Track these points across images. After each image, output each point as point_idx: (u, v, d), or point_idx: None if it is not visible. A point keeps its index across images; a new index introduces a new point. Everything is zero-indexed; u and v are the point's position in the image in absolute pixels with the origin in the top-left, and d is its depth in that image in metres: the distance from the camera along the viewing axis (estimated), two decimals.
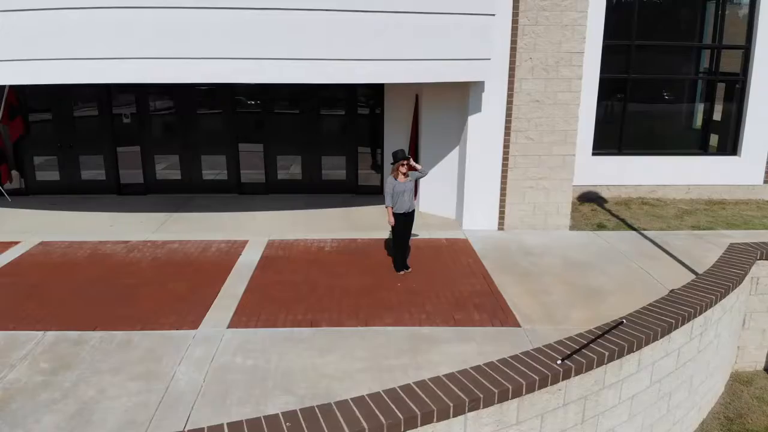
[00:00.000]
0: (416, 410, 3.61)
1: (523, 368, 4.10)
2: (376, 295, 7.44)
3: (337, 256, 8.79)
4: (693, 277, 7.91)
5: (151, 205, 11.29)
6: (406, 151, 7.87)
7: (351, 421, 3.50)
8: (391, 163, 7.92)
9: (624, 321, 4.79)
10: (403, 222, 8.00)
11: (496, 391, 3.85)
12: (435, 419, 3.66)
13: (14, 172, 11.89)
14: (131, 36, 7.56)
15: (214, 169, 12.23)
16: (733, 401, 6.43)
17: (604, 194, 12.30)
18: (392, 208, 7.87)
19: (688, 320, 5.10)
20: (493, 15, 8.74)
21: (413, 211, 8.06)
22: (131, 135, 11.94)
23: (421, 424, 3.62)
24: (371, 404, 3.67)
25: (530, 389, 4.01)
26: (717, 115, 12.90)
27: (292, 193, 12.16)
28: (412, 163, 7.88)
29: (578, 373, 4.25)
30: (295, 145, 12.09)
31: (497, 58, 9.21)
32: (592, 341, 4.46)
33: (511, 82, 9.48)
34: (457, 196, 10.38)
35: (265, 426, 3.44)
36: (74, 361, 5.84)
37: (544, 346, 4.44)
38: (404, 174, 7.81)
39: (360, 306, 7.14)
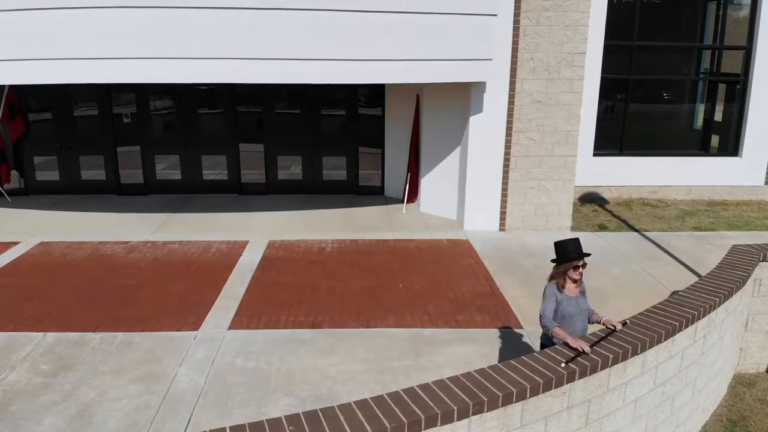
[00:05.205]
0: (420, 414, 3.58)
1: (527, 371, 4.06)
2: (377, 297, 7.42)
3: (338, 257, 8.76)
4: (695, 278, 7.90)
5: (152, 206, 11.26)
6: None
7: (354, 424, 3.47)
8: (552, 260, 4.68)
9: (627, 323, 4.76)
10: None
11: (500, 394, 3.81)
12: (439, 423, 3.62)
13: (14, 172, 11.86)
14: (130, 36, 7.53)
15: (214, 169, 12.20)
16: (735, 403, 6.38)
17: (606, 195, 12.28)
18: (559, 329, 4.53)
19: (692, 323, 5.06)
20: (495, 15, 8.72)
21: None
22: (131, 135, 11.90)
23: (425, 428, 3.58)
24: (374, 407, 3.63)
25: (534, 392, 3.97)
26: (718, 116, 12.89)
27: (292, 193, 12.13)
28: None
29: (582, 376, 4.22)
30: (296, 146, 12.06)
31: (499, 59, 9.19)
32: (596, 344, 4.42)
33: (512, 83, 9.46)
34: (458, 196, 10.36)
35: (267, 429, 3.41)
36: (74, 362, 5.81)
37: (548, 348, 4.41)
38: (575, 282, 4.61)
39: (361, 307, 7.12)
